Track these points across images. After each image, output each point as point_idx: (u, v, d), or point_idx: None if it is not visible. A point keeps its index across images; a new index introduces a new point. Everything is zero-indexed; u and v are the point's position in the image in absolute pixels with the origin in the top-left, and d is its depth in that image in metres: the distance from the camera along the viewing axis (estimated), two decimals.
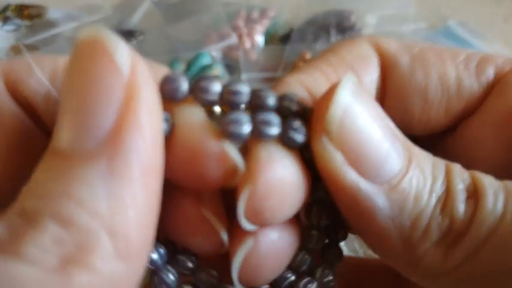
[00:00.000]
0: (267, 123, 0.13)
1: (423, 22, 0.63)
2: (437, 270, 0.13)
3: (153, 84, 0.11)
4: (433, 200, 0.13)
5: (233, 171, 0.12)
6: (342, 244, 0.16)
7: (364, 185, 0.12)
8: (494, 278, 0.12)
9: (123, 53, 0.10)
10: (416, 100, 0.16)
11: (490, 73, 0.16)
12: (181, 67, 0.54)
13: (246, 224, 0.13)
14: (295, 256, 0.15)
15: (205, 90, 0.12)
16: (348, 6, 0.63)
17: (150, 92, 0.11)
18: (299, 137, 0.13)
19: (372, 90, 0.17)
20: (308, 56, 0.56)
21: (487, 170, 0.17)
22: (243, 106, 0.13)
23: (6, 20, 0.62)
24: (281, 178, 0.13)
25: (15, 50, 0.56)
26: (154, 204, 0.11)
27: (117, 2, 0.69)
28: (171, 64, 0.55)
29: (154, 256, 0.14)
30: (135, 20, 0.65)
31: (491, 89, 0.16)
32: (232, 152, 0.12)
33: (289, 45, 0.58)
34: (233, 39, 0.58)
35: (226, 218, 0.14)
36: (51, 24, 0.61)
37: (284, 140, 0.13)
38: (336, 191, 0.13)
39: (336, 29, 0.60)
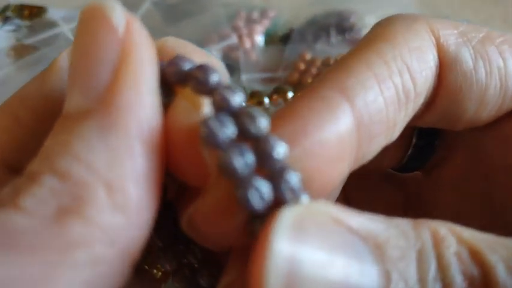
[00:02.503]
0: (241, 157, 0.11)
1: None
2: None
3: (149, 42, 0.11)
4: None
5: (205, 170, 0.12)
6: None
7: None
8: None
9: (118, 14, 0.11)
10: (473, 102, 0.15)
11: None
12: None
13: (185, 230, 0.13)
14: None
15: (200, 82, 0.12)
16: (348, 7, 0.63)
17: (146, 49, 0.11)
18: (256, 205, 0.11)
19: (424, 91, 0.14)
20: (308, 56, 0.56)
21: None
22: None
23: (6, 20, 0.62)
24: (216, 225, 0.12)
25: (16, 50, 0.56)
26: (154, 159, 0.11)
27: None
28: None
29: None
30: None
31: None
32: (206, 156, 0.11)
33: (289, 45, 0.58)
34: (233, 39, 0.58)
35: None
36: (51, 24, 0.61)
37: (240, 194, 0.11)
38: None
39: (336, 29, 0.60)
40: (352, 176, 0.17)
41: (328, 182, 0.13)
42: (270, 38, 0.61)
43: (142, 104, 0.11)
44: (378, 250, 0.10)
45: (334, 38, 0.59)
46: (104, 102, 0.10)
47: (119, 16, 0.11)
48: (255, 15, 0.63)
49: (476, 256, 0.10)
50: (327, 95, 0.12)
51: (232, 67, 0.56)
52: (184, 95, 0.12)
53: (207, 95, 0.12)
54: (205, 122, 0.11)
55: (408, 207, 0.21)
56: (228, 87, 0.11)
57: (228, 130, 0.11)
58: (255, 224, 0.11)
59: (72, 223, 0.10)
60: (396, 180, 0.21)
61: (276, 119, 0.12)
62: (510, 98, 0.15)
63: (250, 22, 0.62)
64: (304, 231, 0.10)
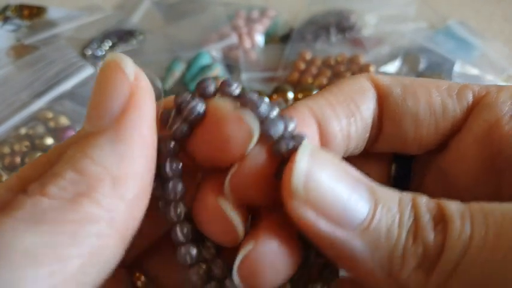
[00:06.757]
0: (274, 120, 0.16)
1: (423, 22, 0.63)
2: None
3: (149, 87, 0.16)
4: (404, 233, 0.15)
5: (249, 135, 0.16)
6: None
7: (339, 233, 0.15)
8: None
9: (129, 66, 0.15)
10: (409, 123, 0.20)
11: (469, 98, 0.19)
12: (181, 67, 0.54)
13: (237, 282, 0.16)
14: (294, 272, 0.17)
15: (228, 86, 0.17)
16: (348, 6, 0.63)
17: (147, 91, 0.16)
18: (286, 146, 0.16)
19: (369, 117, 0.20)
20: (308, 55, 0.56)
21: (471, 181, 0.20)
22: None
23: (6, 20, 0.62)
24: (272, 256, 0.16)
25: (16, 50, 0.56)
26: (149, 164, 0.15)
27: (117, 2, 0.69)
28: (171, 64, 0.55)
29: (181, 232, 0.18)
30: (135, 20, 0.65)
31: (471, 111, 0.19)
32: (248, 116, 0.16)
33: (289, 45, 0.58)
34: (233, 39, 0.58)
35: (247, 216, 0.17)
36: (51, 24, 0.61)
37: (278, 145, 0.16)
38: (316, 240, 0.15)
39: (335, 28, 0.60)
40: None
41: None
42: (269, 38, 0.61)
43: (142, 125, 0.15)
44: (371, 189, 0.15)
45: (334, 37, 0.59)
46: (116, 123, 0.14)
47: (130, 67, 0.15)
48: (255, 14, 0.63)
49: (438, 202, 0.15)
50: (302, 110, 0.19)
51: (232, 66, 0.56)
52: (217, 99, 0.17)
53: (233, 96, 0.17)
54: (247, 96, 0.16)
55: None
56: (252, 91, 0.16)
57: (264, 106, 0.16)
58: (283, 167, 0.15)
59: (84, 203, 0.13)
60: None
61: None
62: (442, 119, 0.19)
63: (250, 21, 0.62)
64: (317, 156, 0.15)
